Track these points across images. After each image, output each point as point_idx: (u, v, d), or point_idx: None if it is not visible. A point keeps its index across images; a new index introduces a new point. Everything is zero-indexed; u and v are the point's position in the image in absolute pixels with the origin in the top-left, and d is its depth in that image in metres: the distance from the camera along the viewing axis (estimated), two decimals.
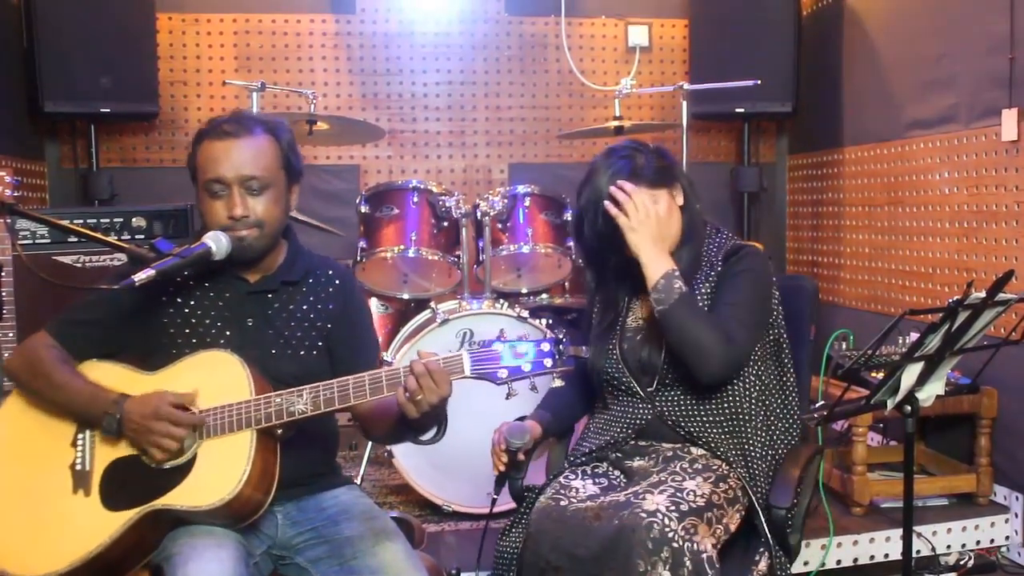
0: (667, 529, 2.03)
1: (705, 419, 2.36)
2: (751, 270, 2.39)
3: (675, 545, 2.02)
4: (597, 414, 2.54)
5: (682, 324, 2.26)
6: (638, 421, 2.40)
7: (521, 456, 2.41)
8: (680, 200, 2.43)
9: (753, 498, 2.28)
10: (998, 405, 3.51)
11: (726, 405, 2.37)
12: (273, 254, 2.26)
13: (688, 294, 2.29)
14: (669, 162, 2.44)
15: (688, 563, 2.01)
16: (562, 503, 2.22)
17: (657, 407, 2.38)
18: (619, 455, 2.41)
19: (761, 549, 2.25)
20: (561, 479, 2.35)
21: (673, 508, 2.09)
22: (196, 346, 2.16)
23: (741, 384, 2.37)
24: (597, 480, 2.35)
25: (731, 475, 2.29)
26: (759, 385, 2.40)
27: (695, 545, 2.04)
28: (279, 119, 2.28)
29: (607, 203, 2.32)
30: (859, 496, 3.48)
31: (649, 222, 2.31)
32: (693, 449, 2.35)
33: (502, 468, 2.41)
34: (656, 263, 2.30)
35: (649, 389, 2.40)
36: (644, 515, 2.06)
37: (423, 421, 2.03)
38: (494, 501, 2.47)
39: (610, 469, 2.40)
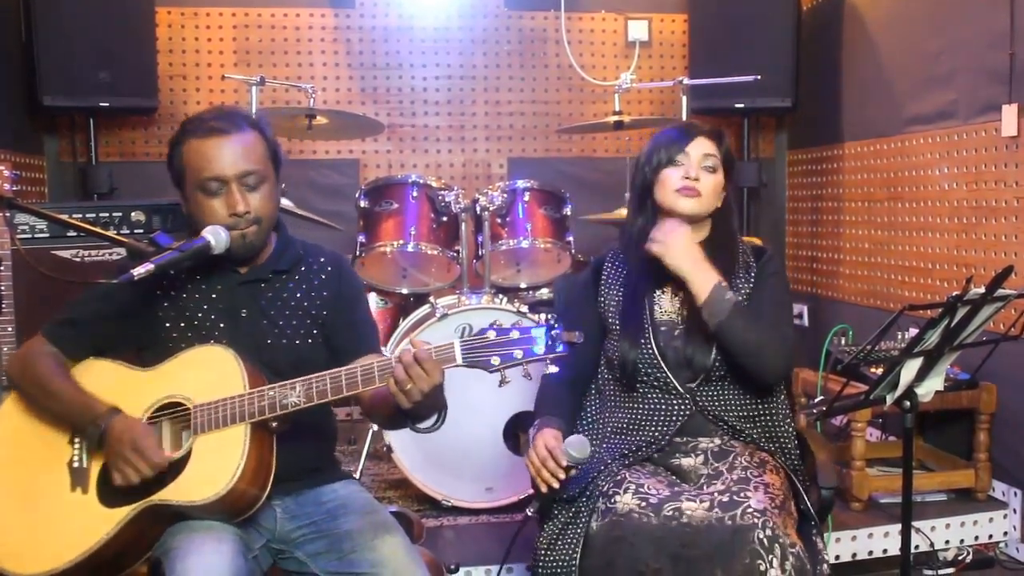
0: (776, 526, 2.08)
1: (744, 412, 2.41)
2: (780, 272, 2.53)
3: (782, 541, 2.06)
4: (621, 408, 2.47)
5: (743, 335, 2.32)
6: (679, 417, 2.39)
7: (574, 471, 2.28)
8: (722, 198, 2.49)
9: (798, 484, 2.34)
10: (997, 400, 3.51)
11: (753, 392, 2.42)
12: (266, 245, 2.27)
13: (739, 303, 2.34)
14: (733, 154, 2.54)
15: (791, 558, 2.06)
16: (651, 500, 2.18)
17: (699, 403, 2.39)
18: (658, 454, 2.39)
19: (813, 533, 2.30)
20: (628, 476, 2.27)
21: (774, 506, 2.14)
22: (192, 339, 2.17)
23: None
24: (659, 478, 2.31)
25: (777, 465, 2.36)
26: None
27: (789, 539, 2.09)
28: (260, 113, 2.28)
29: (647, 247, 2.39)
30: (858, 491, 3.48)
31: (680, 239, 2.36)
32: (734, 443, 2.38)
33: (556, 485, 2.25)
34: (701, 279, 2.35)
35: (689, 384, 2.39)
36: (757, 514, 2.09)
37: (418, 410, 2.03)
38: (527, 517, 2.33)
39: (657, 468, 2.37)
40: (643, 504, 2.17)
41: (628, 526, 2.14)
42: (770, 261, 2.50)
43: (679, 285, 2.44)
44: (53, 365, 2.16)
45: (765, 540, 2.05)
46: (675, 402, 2.40)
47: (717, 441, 2.38)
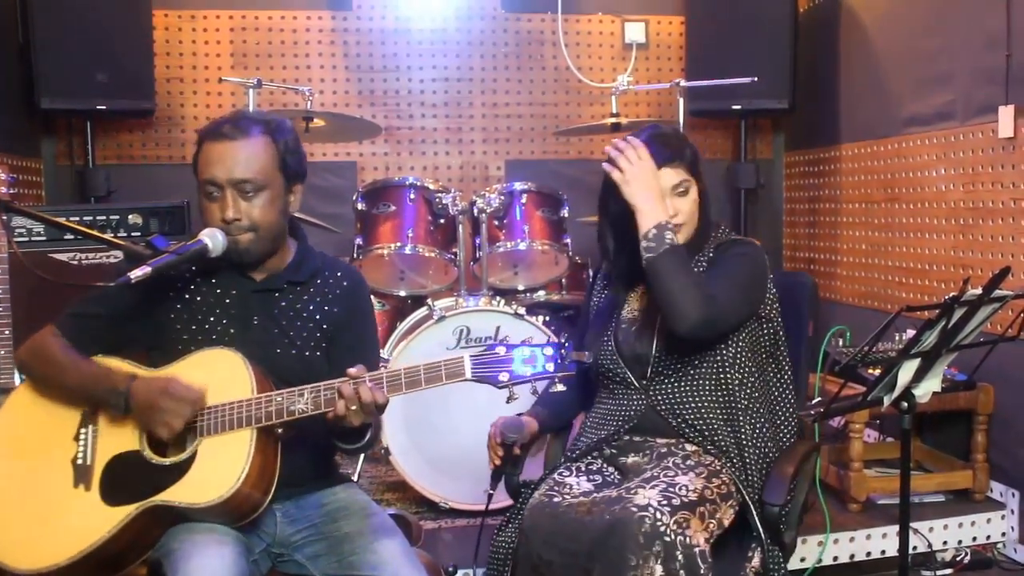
0: (659, 523, 2.03)
1: (698, 410, 2.36)
2: (745, 254, 2.41)
3: (667, 539, 2.02)
4: (594, 408, 2.54)
5: (667, 272, 2.23)
6: (632, 413, 2.40)
7: (517, 451, 2.42)
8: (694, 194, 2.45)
9: (745, 494, 2.28)
10: (994, 401, 3.52)
11: (720, 396, 2.37)
12: (281, 254, 2.26)
13: (679, 247, 2.27)
14: (695, 151, 2.46)
15: (680, 556, 2.01)
16: (555, 499, 2.23)
17: (651, 397, 2.39)
18: (614, 451, 2.41)
19: (754, 545, 2.25)
20: (556, 475, 2.36)
21: (665, 502, 2.09)
22: (201, 343, 2.17)
23: (736, 374, 2.37)
24: (591, 477, 2.35)
25: (724, 471, 2.29)
26: (754, 378, 2.40)
27: (687, 539, 2.04)
28: (282, 120, 2.26)
29: (604, 164, 2.33)
30: (856, 492, 3.48)
31: (643, 174, 2.29)
32: (687, 445, 2.35)
33: (498, 462, 2.43)
34: (650, 213, 2.28)
35: (643, 380, 2.40)
36: (635, 509, 2.06)
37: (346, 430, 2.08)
38: (490, 497, 2.47)
39: (605, 465, 2.41)
40: (546, 499, 2.23)
41: (528, 519, 2.22)
42: (735, 245, 2.44)
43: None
44: (65, 346, 2.17)
45: (641, 537, 2.01)
46: (633, 397, 2.41)
47: (671, 441, 2.37)
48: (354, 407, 1.98)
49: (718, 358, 2.37)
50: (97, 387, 2.10)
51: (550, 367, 1.97)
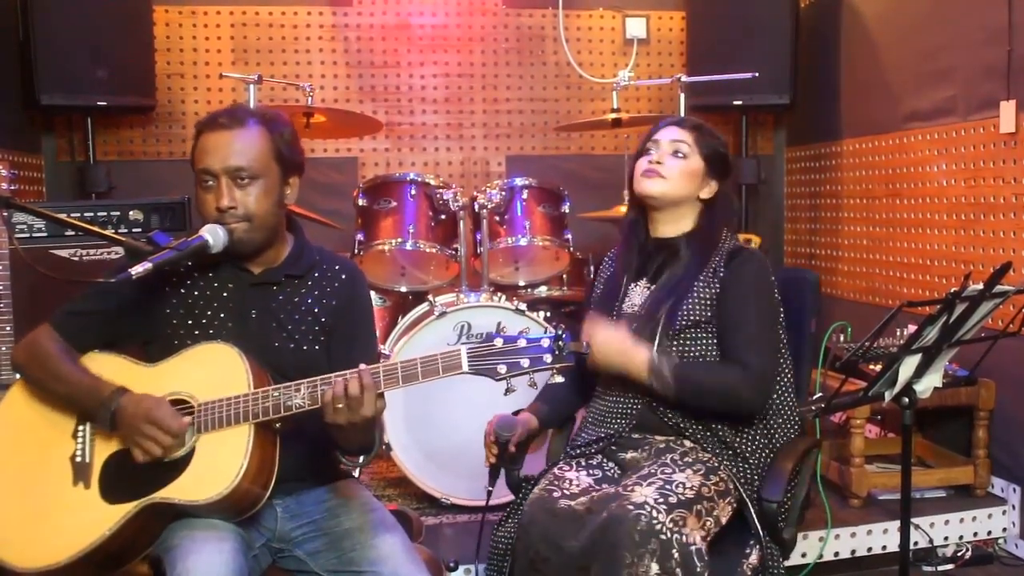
0: (655, 521, 2.03)
1: (696, 411, 2.36)
2: (756, 284, 2.39)
3: (663, 537, 2.02)
4: (594, 403, 2.54)
5: (696, 392, 2.31)
6: (632, 411, 2.41)
7: (512, 448, 2.41)
8: (708, 192, 2.48)
9: (742, 491, 2.28)
10: (996, 397, 3.52)
11: None
12: (277, 247, 2.26)
13: (678, 366, 2.30)
14: (723, 150, 2.51)
15: (676, 555, 2.01)
16: (555, 495, 2.23)
17: (648, 397, 2.38)
18: (613, 447, 2.42)
19: (752, 542, 2.26)
20: (556, 470, 2.36)
21: (661, 500, 2.09)
22: (198, 337, 2.17)
23: None
24: (591, 472, 2.36)
25: (721, 467, 2.29)
26: None
27: (684, 537, 2.04)
28: (278, 113, 2.26)
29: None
30: (857, 488, 3.48)
31: (606, 345, 2.31)
32: (685, 442, 2.36)
33: (493, 460, 2.43)
34: (635, 366, 2.31)
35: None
36: (631, 507, 2.06)
37: (352, 438, 2.07)
38: (489, 493, 2.47)
39: (605, 461, 2.41)
40: (545, 495, 2.24)
41: (527, 515, 2.23)
42: (744, 265, 2.40)
43: (652, 278, 2.48)
44: (60, 350, 2.16)
45: (636, 535, 2.01)
46: (631, 395, 2.41)
47: (670, 438, 2.37)
48: (340, 405, 1.96)
49: (717, 357, 2.37)
50: (86, 401, 2.09)
51: (548, 358, 1.95)
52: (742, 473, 2.31)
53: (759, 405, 2.34)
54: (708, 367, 2.34)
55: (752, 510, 2.27)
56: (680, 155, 2.44)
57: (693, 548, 2.04)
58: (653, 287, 2.46)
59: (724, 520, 2.22)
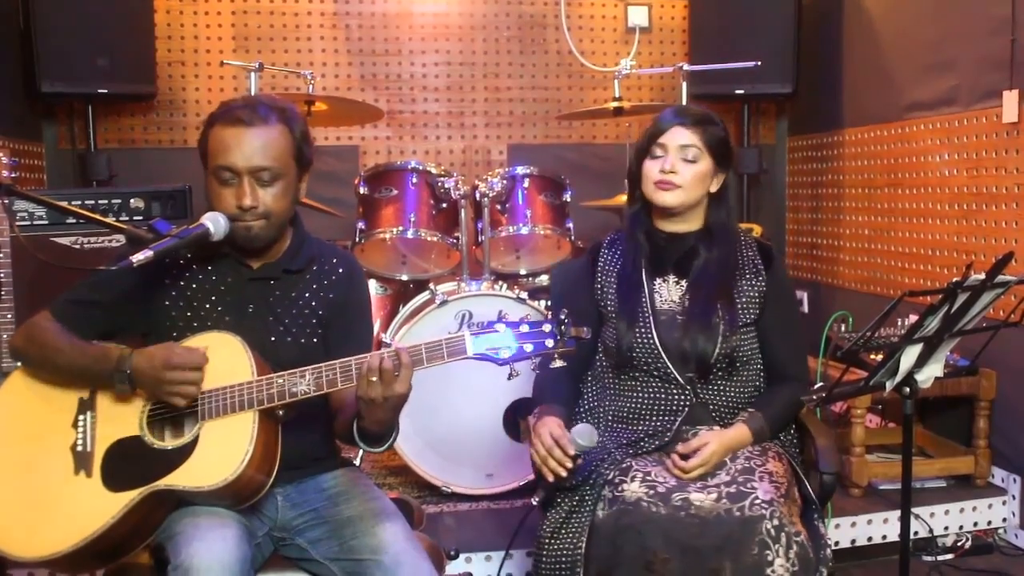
0: (782, 516, 2.10)
1: (743, 403, 2.43)
2: (791, 288, 2.58)
3: (787, 530, 2.09)
4: (621, 397, 2.47)
5: (784, 425, 2.46)
6: (680, 408, 2.40)
7: (580, 460, 2.27)
8: (717, 185, 2.48)
9: (798, 469, 2.37)
10: (997, 387, 3.52)
11: (752, 388, 2.46)
12: (278, 241, 2.25)
13: (765, 417, 2.38)
14: (724, 134, 2.49)
15: (795, 546, 2.08)
16: (659, 490, 2.20)
17: (700, 395, 2.40)
18: (662, 443, 2.40)
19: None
20: (633, 466, 2.28)
21: (779, 495, 2.16)
22: (197, 329, 2.16)
23: (761, 367, 2.48)
24: (663, 467, 2.32)
25: (777, 452, 2.38)
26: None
27: (794, 528, 2.11)
28: (292, 106, 2.23)
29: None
30: (857, 477, 3.49)
31: (715, 457, 2.29)
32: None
33: (564, 473, 2.23)
34: (742, 446, 2.35)
35: (689, 375, 2.40)
36: (765, 505, 2.11)
37: (379, 417, 2.04)
38: (531, 507, 2.35)
39: (661, 456, 2.37)
40: (651, 493, 2.18)
41: (637, 515, 2.15)
42: (781, 267, 2.53)
43: (680, 273, 2.46)
44: (61, 329, 2.16)
45: (772, 530, 2.08)
46: (675, 392, 2.41)
47: (719, 429, 2.38)
48: (374, 378, 1.97)
49: (760, 361, 2.48)
50: (98, 367, 2.09)
51: (550, 343, 1.97)
52: (792, 453, 2.44)
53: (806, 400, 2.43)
54: (781, 399, 2.43)
55: (808, 486, 2.36)
56: (689, 160, 2.41)
57: (802, 538, 2.11)
58: (686, 283, 2.46)
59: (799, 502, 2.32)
